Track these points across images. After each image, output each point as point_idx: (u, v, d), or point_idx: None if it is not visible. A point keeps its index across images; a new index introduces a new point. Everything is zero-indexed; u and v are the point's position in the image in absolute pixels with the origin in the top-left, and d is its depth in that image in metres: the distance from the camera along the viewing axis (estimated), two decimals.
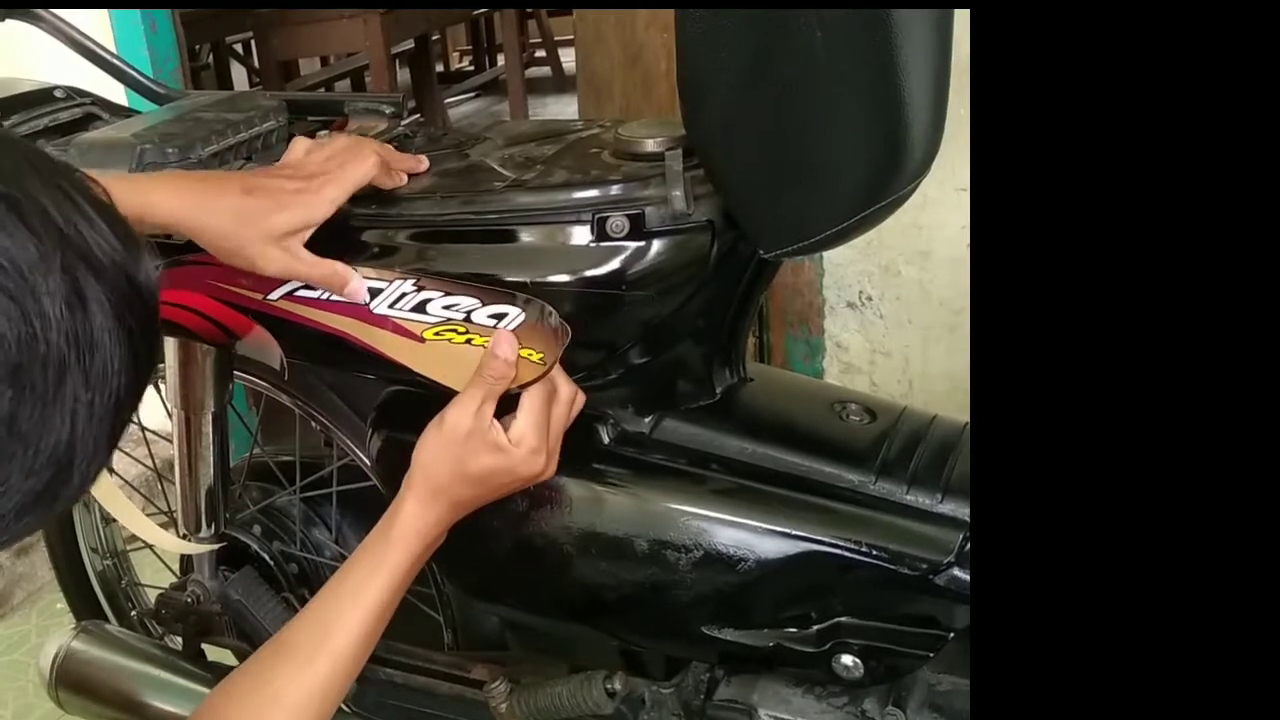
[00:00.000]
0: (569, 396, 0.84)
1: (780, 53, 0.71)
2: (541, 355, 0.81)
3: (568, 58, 4.96)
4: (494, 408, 0.81)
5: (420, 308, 0.83)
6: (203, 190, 0.81)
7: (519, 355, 0.81)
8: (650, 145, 0.84)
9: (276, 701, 0.79)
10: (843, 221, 0.78)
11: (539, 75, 5.63)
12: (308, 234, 0.82)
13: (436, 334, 0.84)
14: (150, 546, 1.41)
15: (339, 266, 0.84)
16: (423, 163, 0.90)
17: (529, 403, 0.81)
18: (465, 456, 0.81)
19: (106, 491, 1.02)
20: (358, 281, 0.84)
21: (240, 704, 0.80)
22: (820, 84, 0.72)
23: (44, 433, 0.49)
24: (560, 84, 5.40)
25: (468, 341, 0.83)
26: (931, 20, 0.75)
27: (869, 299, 1.91)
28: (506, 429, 0.81)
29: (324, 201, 0.82)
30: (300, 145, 0.88)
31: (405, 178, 0.88)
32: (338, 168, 0.83)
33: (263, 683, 0.80)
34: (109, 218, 0.53)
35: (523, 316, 0.81)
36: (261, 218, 0.80)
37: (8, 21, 1.11)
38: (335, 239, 0.86)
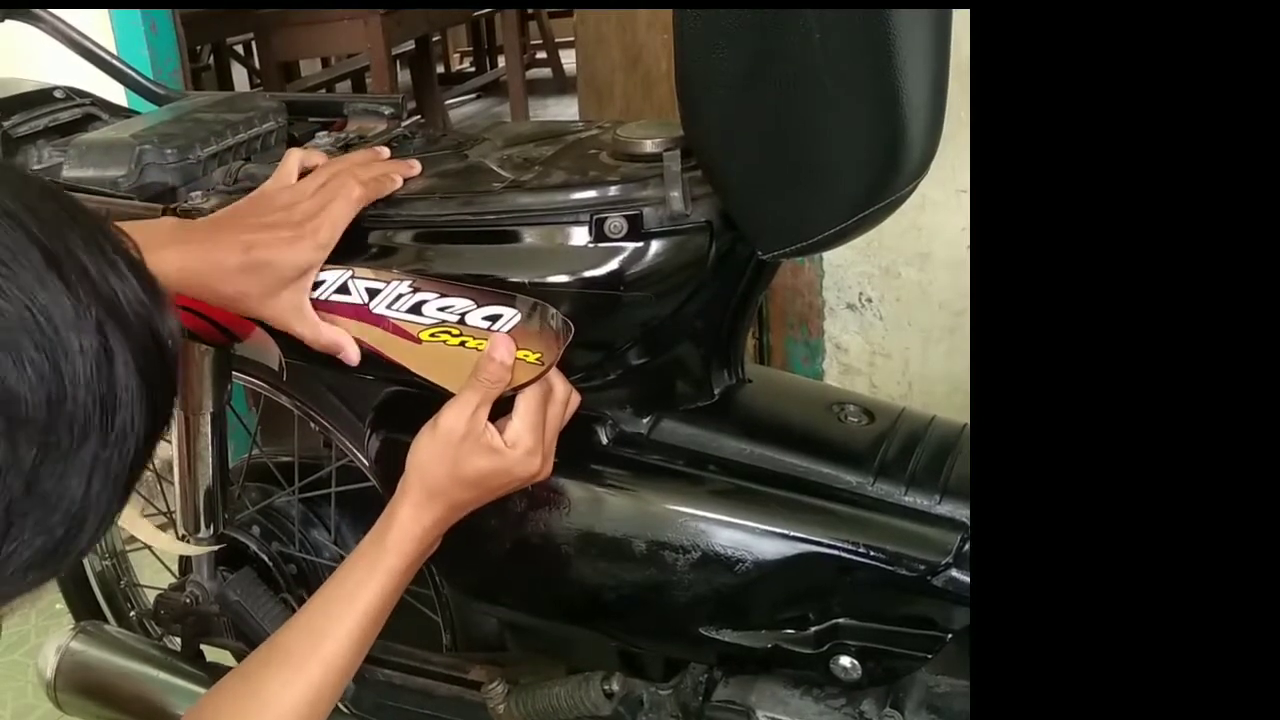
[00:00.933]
0: (564, 396, 0.84)
1: (779, 54, 0.71)
2: (539, 356, 0.81)
3: (568, 59, 4.97)
4: (489, 410, 0.81)
5: (416, 309, 0.83)
6: (205, 254, 0.82)
7: (515, 357, 0.81)
8: (649, 146, 0.84)
9: (267, 707, 0.79)
10: (841, 222, 0.78)
11: (540, 77, 5.64)
12: (311, 280, 0.84)
13: (431, 335, 0.84)
14: (149, 547, 1.41)
15: (342, 337, 0.85)
16: (414, 167, 0.90)
17: (524, 404, 0.81)
18: (461, 460, 0.81)
19: None
20: (353, 350, 0.85)
21: (231, 709, 0.80)
22: (819, 85, 0.72)
23: (61, 491, 0.49)
24: (561, 85, 5.41)
25: (461, 344, 0.83)
26: (930, 21, 0.75)
27: (869, 301, 1.91)
28: (502, 430, 0.81)
29: (318, 248, 0.83)
30: (293, 160, 0.88)
31: (400, 180, 0.88)
32: (323, 207, 0.83)
33: (254, 688, 0.80)
34: (138, 272, 0.52)
35: (518, 318, 0.81)
36: (263, 277, 0.82)
37: (8, 22, 1.11)
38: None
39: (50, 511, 0.49)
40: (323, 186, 0.85)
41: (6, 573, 0.49)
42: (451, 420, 0.81)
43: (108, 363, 0.49)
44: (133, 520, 1.06)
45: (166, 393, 0.54)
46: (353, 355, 0.85)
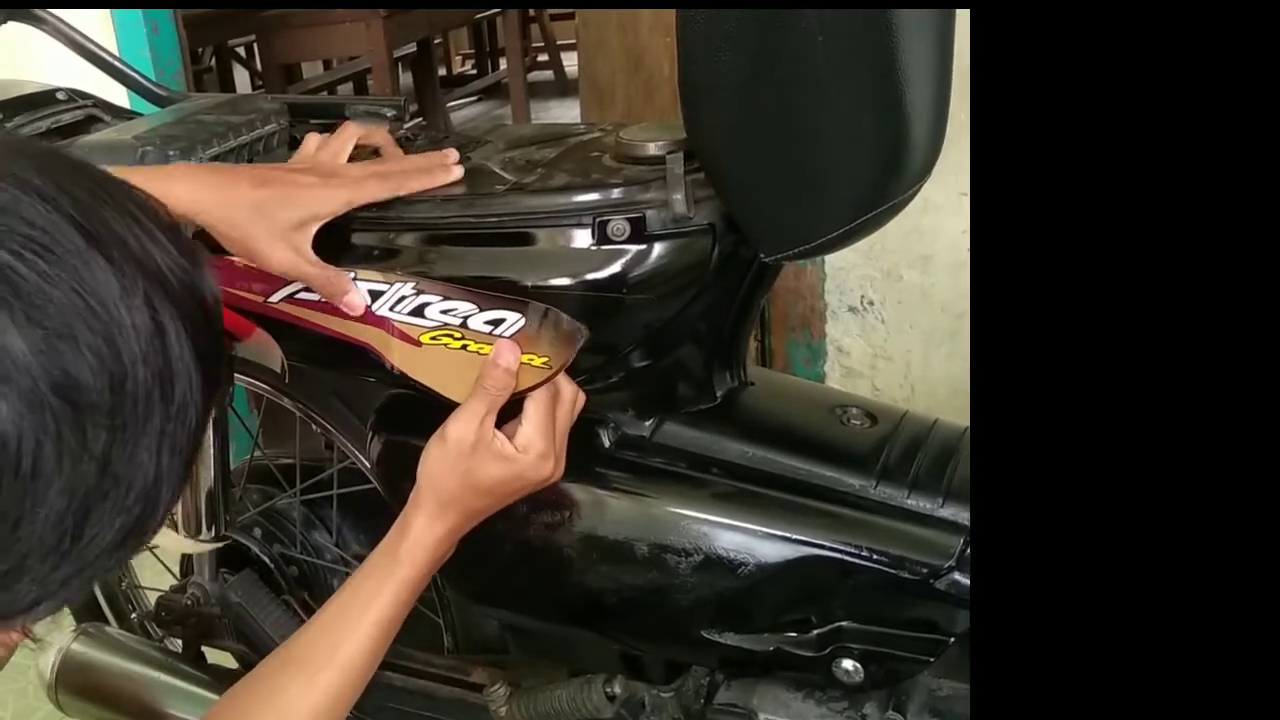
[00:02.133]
0: (571, 397, 0.84)
1: (781, 56, 0.71)
2: (545, 360, 0.81)
3: (570, 62, 4.97)
4: (495, 418, 0.81)
5: (418, 311, 0.83)
6: (219, 183, 0.81)
7: (520, 363, 0.80)
8: (651, 148, 0.84)
9: (285, 714, 0.79)
10: (844, 225, 0.78)
11: (541, 79, 5.63)
12: (314, 228, 0.82)
13: (433, 338, 0.83)
14: (151, 549, 1.41)
15: (343, 276, 0.84)
16: (449, 165, 0.88)
17: (534, 408, 0.81)
18: (473, 470, 0.81)
19: None
20: (357, 295, 0.84)
21: (248, 714, 0.80)
22: (821, 88, 0.72)
23: (134, 470, 0.48)
24: (563, 88, 5.41)
25: (463, 347, 0.83)
26: (933, 25, 0.75)
27: (871, 303, 1.91)
28: (511, 435, 0.81)
29: (335, 199, 0.82)
30: (312, 142, 0.89)
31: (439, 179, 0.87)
32: (354, 170, 0.84)
33: (271, 694, 0.80)
34: (174, 236, 0.52)
35: (521, 322, 0.81)
36: (272, 210, 0.80)
37: (10, 24, 1.11)
38: (336, 240, 0.86)
39: (126, 492, 0.48)
40: (367, 162, 0.86)
41: (91, 556, 0.49)
42: (460, 430, 0.80)
43: (159, 335, 0.49)
44: None
45: (217, 356, 0.53)
46: (357, 304, 0.84)
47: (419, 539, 0.83)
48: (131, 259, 0.48)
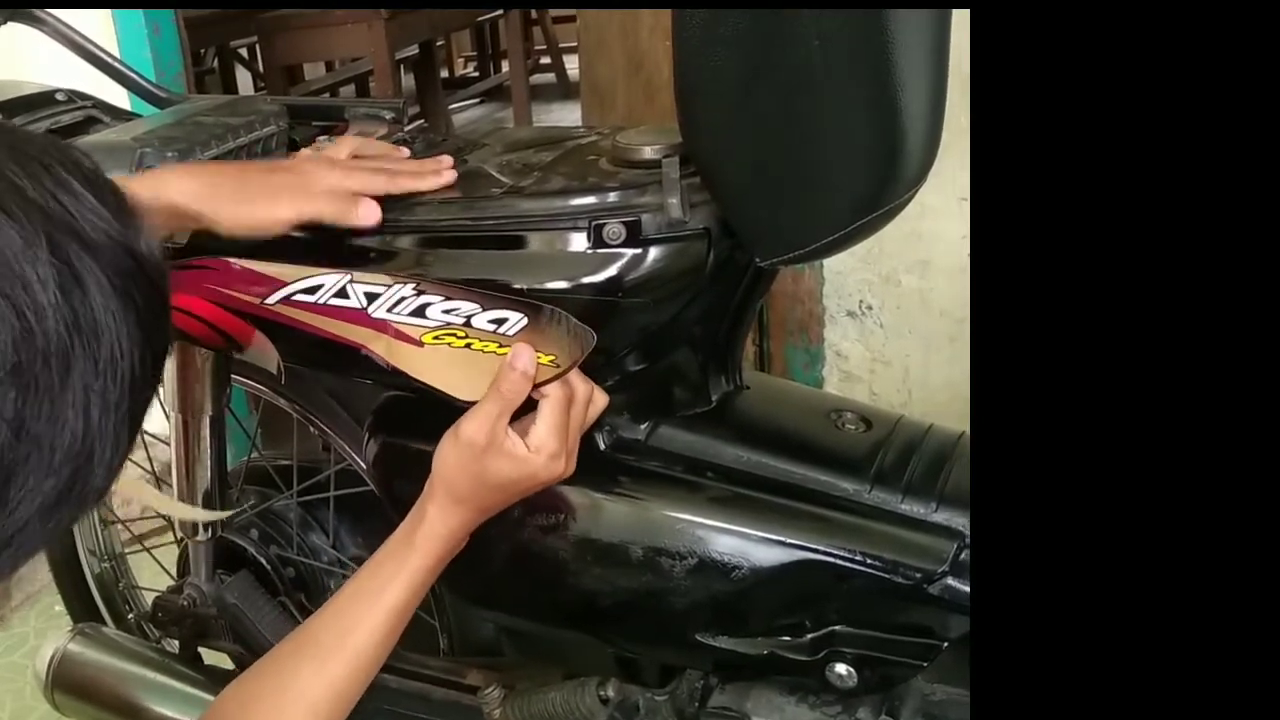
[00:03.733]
0: (586, 396, 0.84)
1: (777, 61, 0.71)
2: (552, 358, 0.81)
3: (572, 64, 4.97)
4: (508, 419, 0.81)
5: (419, 312, 0.83)
6: (208, 167, 0.86)
7: (536, 365, 0.81)
8: (647, 152, 0.84)
9: (301, 697, 0.80)
10: (839, 230, 0.78)
11: (543, 82, 5.64)
12: (312, 192, 0.84)
13: (435, 338, 0.84)
14: (147, 550, 1.41)
15: (354, 197, 0.84)
16: (442, 170, 0.89)
17: (548, 408, 0.81)
18: (485, 469, 0.81)
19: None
20: (366, 206, 0.84)
21: (261, 702, 0.81)
22: (816, 93, 0.72)
23: (56, 429, 0.46)
24: (565, 91, 5.41)
25: (467, 346, 0.83)
26: (928, 29, 0.75)
27: (869, 308, 1.91)
28: (525, 433, 0.81)
29: (326, 178, 0.84)
30: (305, 155, 0.91)
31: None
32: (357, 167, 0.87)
33: (282, 680, 0.81)
34: (99, 190, 0.50)
35: (525, 321, 0.81)
36: (262, 176, 0.84)
37: (10, 24, 1.11)
38: (332, 242, 0.86)
39: (50, 452, 0.46)
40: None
41: (22, 521, 0.47)
42: (473, 430, 0.81)
43: (77, 287, 0.46)
44: (146, 491, 1.06)
45: (157, 312, 0.51)
46: (372, 214, 0.84)
47: (433, 529, 0.83)
48: (36, 210, 0.46)
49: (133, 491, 1.02)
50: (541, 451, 0.81)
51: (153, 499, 1.03)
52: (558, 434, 0.81)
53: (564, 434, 0.82)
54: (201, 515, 1.14)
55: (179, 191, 0.81)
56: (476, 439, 0.81)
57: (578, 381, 0.83)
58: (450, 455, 0.82)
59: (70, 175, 0.49)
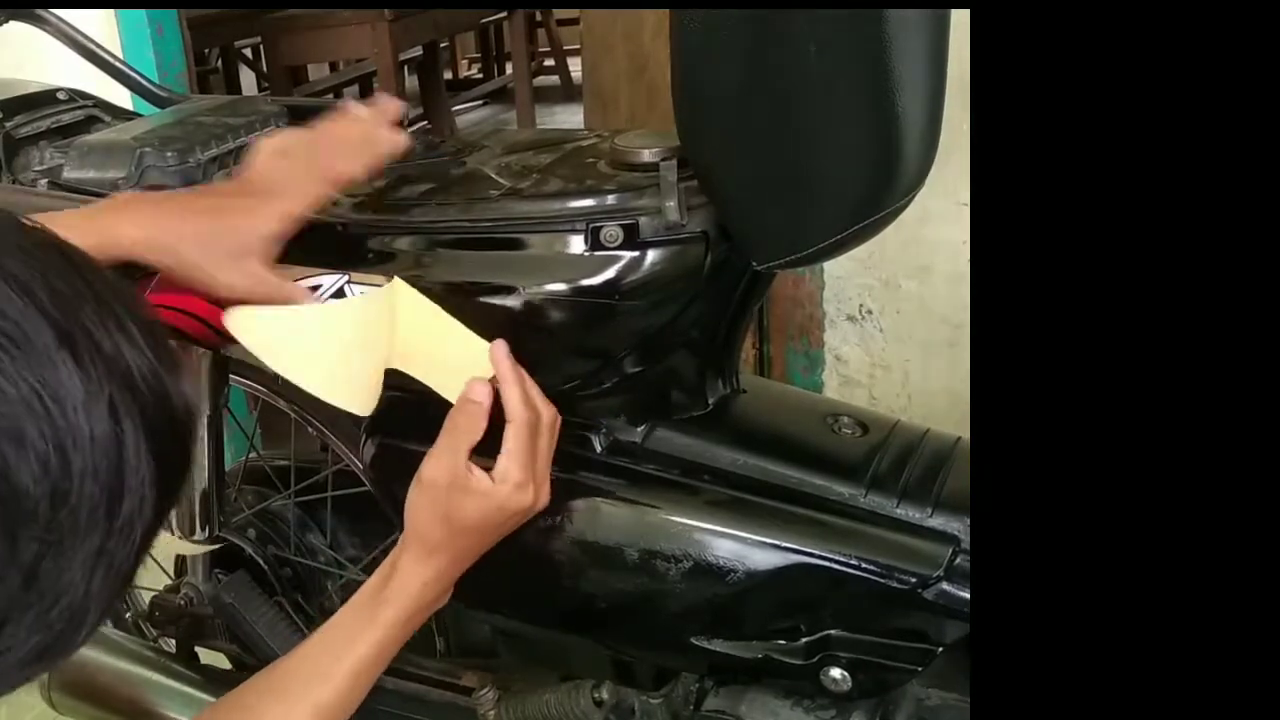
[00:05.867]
0: (551, 422, 0.83)
1: (774, 65, 0.71)
2: None
3: (576, 67, 4.97)
4: (467, 455, 0.80)
5: None
6: (158, 216, 0.79)
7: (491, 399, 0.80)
8: (646, 155, 0.84)
9: None
10: (836, 234, 0.78)
11: (547, 84, 5.64)
12: (264, 250, 0.79)
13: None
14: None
15: (299, 290, 0.82)
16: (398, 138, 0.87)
17: (512, 436, 0.80)
18: (452, 510, 0.80)
19: None
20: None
21: None
22: (814, 97, 0.72)
23: (62, 587, 0.44)
24: (568, 93, 5.41)
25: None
26: (926, 34, 0.75)
27: (869, 312, 1.91)
28: (490, 466, 0.80)
29: (272, 216, 0.79)
30: (264, 149, 0.84)
31: (389, 143, 0.86)
32: (290, 178, 0.81)
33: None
34: (152, 335, 0.48)
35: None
36: (215, 241, 0.78)
37: (12, 24, 1.12)
38: (330, 245, 0.86)
39: (49, 607, 0.45)
40: (296, 162, 0.82)
41: (2, 669, 0.46)
42: (433, 471, 0.80)
43: (117, 448, 0.44)
44: None
45: (179, 470, 0.49)
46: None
47: (404, 582, 0.82)
48: (104, 361, 0.45)
49: None
50: (506, 481, 0.79)
51: None
52: (521, 463, 0.80)
53: (529, 461, 0.80)
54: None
55: (132, 243, 0.77)
56: (438, 479, 0.79)
57: (542, 405, 0.82)
58: (416, 501, 0.81)
59: (132, 321, 0.47)
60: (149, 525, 0.47)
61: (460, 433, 0.80)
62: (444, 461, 0.80)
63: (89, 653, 1.23)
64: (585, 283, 0.82)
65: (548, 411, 0.83)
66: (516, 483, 0.80)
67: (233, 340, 0.92)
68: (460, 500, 0.80)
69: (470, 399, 0.80)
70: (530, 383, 0.82)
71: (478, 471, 0.80)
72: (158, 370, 0.47)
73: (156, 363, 0.47)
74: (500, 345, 0.81)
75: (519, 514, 0.82)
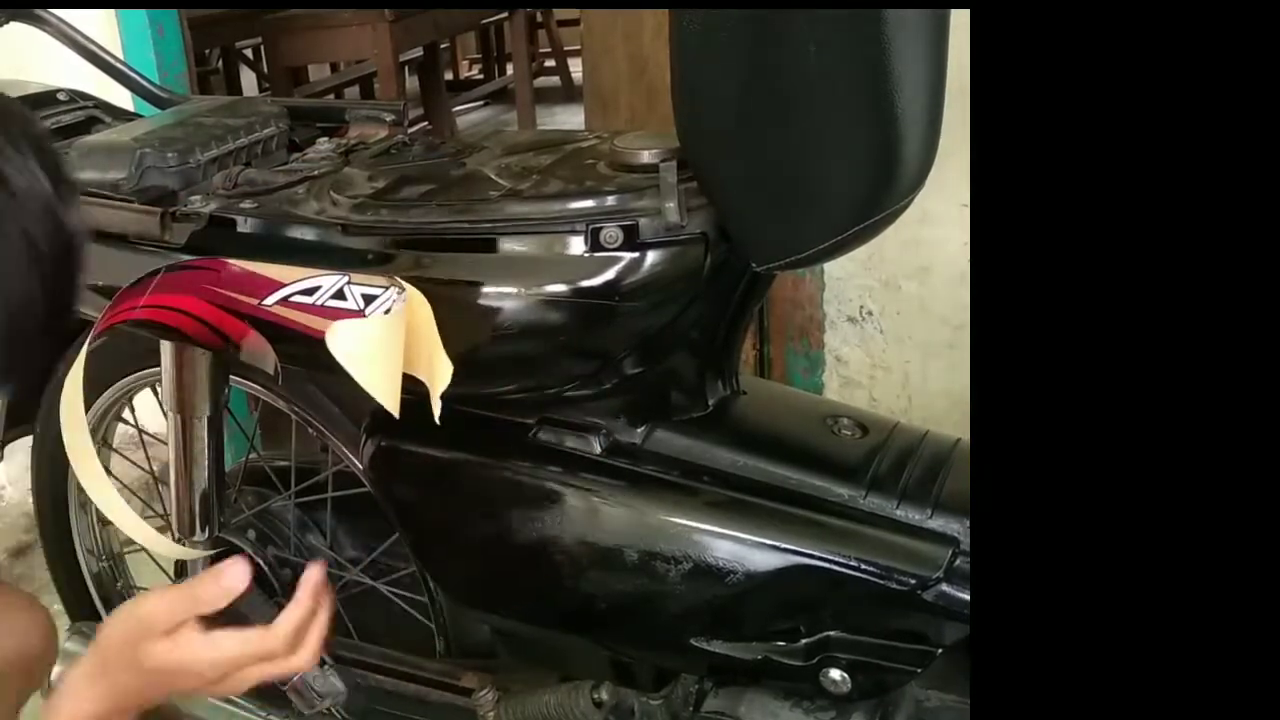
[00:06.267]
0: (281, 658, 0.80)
1: (774, 67, 0.72)
2: None
3: (577, 68, 4.97)
4: (189, 616, 0.77)
5: None
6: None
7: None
8: (645, 157, 0.84)
9: None
10: (835, 236, 0.78)
11: (548, 85, 5.64)
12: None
13: None
14: (146, 550, 1.41)
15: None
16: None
17: (242, 640, 0.78)
18: (140, 653, 0.77)
19: (101, 492, 1.02)
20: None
21: None
22: (813, 98, 0.72)
23: None
24: (569, 94, 5.41)
25: None
26: (926, 38, 0.75)
27: (869, 314, 1.91)
28: (209, 641, 0.77)
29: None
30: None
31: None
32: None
33: None
34: (43, 156, 0.58)
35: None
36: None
37: (12, 24, 1.12)
38: (329, 246, 0.86)
39: None
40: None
41: None
42: (149, 613, 0.78)
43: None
44: (129, 522, 1.06)
45: (62, 271, 0.59)
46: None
47: (68, 697, 0.79)
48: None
49: (120, 523, 1.01)
50: (195, 666, 0.77)
51: (143, 537, 1.02)
52: (220, 667, 0.78)
53: (231, 668, 0.78)
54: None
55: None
56: (153, 624, 0.77)
57: (292, 648, 0.80)
58: (119, 618, 0.79)
59: (24, 139, 0.57)
60: (24, 307, 0.56)
61: (195, 599, 0.77)
62: (164, 606, 0.77)
63: None
64: (585, 284, 0.82)
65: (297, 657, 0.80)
66: (199, 671, 0.78)
67: (234, 344, 0.92)
68: (158, 647, 0.77)
69: (221, 579, 0.77)
70: (322, 623, 0.82)
71: (190, 639, 0.77)
72: (38, 174, 0.57)
73: (43, 173, 0.57)
74: (318, 569, 0.82)
75: (180, 690, 0.80)
